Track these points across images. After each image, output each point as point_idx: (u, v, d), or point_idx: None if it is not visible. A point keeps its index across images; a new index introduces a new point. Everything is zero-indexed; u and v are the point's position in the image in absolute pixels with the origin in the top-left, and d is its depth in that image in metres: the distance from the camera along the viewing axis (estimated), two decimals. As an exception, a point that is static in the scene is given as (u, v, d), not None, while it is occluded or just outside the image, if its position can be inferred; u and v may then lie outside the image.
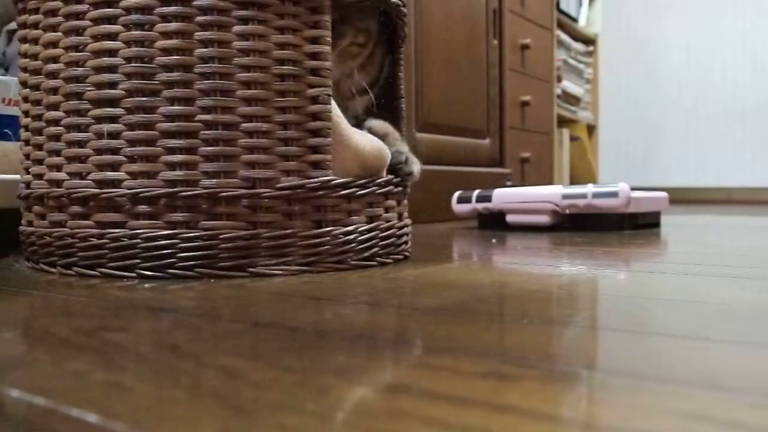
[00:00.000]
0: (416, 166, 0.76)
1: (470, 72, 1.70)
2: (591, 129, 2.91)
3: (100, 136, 0.60)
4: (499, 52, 1.83)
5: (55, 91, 0.63)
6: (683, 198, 3.00)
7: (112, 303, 0.48)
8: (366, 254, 0.67)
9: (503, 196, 1.23)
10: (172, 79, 0.59)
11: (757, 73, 3.03)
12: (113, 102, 0.60)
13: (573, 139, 2.59)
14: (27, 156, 0.67)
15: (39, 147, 0.65)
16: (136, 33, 0.59)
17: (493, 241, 0.98)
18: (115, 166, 0.60)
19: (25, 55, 0.66)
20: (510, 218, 1.22)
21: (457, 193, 1.32)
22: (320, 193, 0.63)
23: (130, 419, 0.24)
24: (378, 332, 0.38)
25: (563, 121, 2.56)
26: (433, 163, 1.54)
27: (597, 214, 1.15)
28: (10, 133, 0.83)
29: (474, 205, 1.27)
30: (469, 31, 1.69)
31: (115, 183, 0.60)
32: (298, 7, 0.62)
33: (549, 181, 2.22)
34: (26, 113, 0.66)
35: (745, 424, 0.23)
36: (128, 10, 0.59)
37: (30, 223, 0.67)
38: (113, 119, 0.60)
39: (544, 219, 1.17)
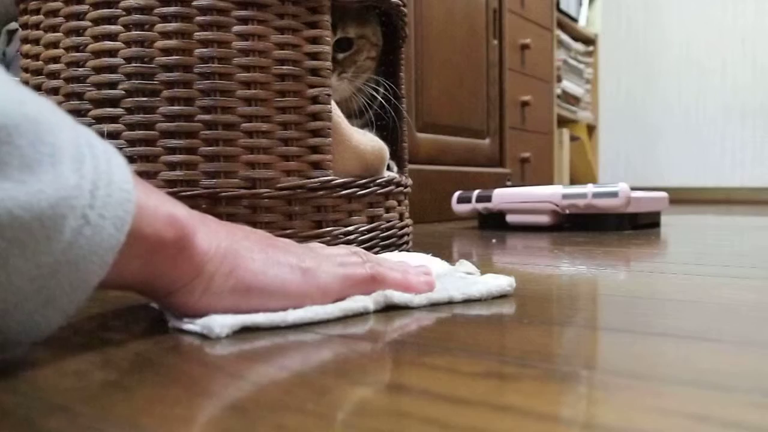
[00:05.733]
0: None
1: (470, 72, 1.70)
2: (591, 129, 2.91)
3: (100, 136, 0.60)
4: (499, 52, 1.83)
5: (56, 91, 0.63)
6: (683, 198, 3.00)
7: (112, 303, 0.48)
8: (366, 254, 0.67)
9: (503, 196, 1.23)
10: (172, 79, 0.59)
11: (757, 73, 3.03)
12: (113, 102, 0.60)
13: (573, 139, 2.59)
14: (27, 156, 0.67)
15: (39, 147, 0.64)
16: (135, 33, 0.59)
17: (493, 241, 0.98)
18: (115, 166, 0.60)
19: (26, 56, 0.66)
20: (510, 218, 1.22)
21: (457, 193, 1.32)
22: (320, 193, 0.63)
23: (130, 419, 0.24)
24: (378, 332, 0.38)
25: (563, 121, 2.56)
26: (433, 163, 1.54)
27: (597, 214, 1.15)
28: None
29: (474, 205, 1.27)
30: (469, 31, 1.69)
31: (115, 183, 0.60)
32: (297, 7, 0.62)
33: (549, 181, 2.22)
34: (26, 113, 0.66)
35: (746, 425, 0.23)
36: (128, 11, 0.59)
37: (30, 223, 0.67)
38: (113, 119, 0.60)
39: (544, 219, 1.17)
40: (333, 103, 0.65)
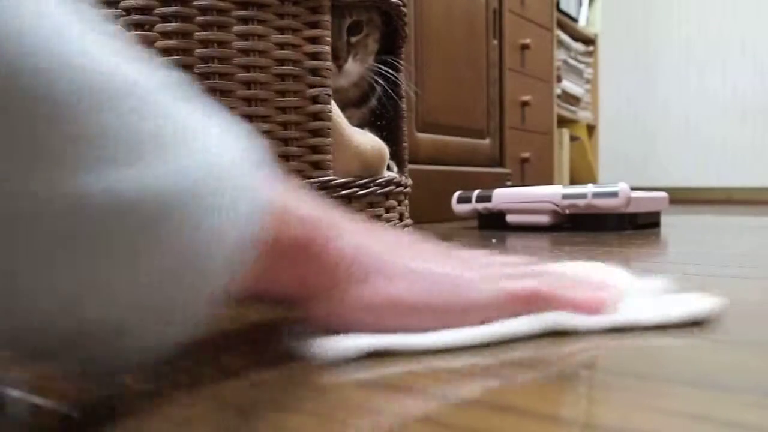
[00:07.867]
0: None
1: (470, 72, 1.70)
2: (591, 129, 2.91)
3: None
4: (499, 52, 1.83)
5: (55, 91, 0.63)
6: (683, 198, 3.00)
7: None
8: (366, 254, 0.67)
9: (503, 196, 1.23)
10: (172, 79, 0.59)
11: (758, 74, 3.03)
12: (113, 102, 0.60)
13: (573, 139, 2.59)
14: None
15: (39, 147, 0.65)
16: (135, 33, 0.59)
17: (493, 241, 0.98)
18: (115, 166, 0.60)
19: (25, 55, 0.66)
20: (510, 218, 1.22)
21: (457, 193, 1.32)
22: (320, 193, 0.63)
23: (129, 419, 0.24)
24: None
25: (563, 121, 2.56)
26: (433, 163, 1.54)
27: (597, 214, 1.15)
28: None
29: (474, 205, 1.27)
30: (469, 31, 1.69)
31: (115, 183, 0.60)
32: (298, 7, 0.62)
33: (549, 181, 2.22)
34: (26, 113, 0.66)
35: (746, 424, 0.23)
36: (128, 11, 0.59)
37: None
38: (113, 119, 0.60)
39: (544, 219, 1.17)
40: (333, 102, 0.65)
